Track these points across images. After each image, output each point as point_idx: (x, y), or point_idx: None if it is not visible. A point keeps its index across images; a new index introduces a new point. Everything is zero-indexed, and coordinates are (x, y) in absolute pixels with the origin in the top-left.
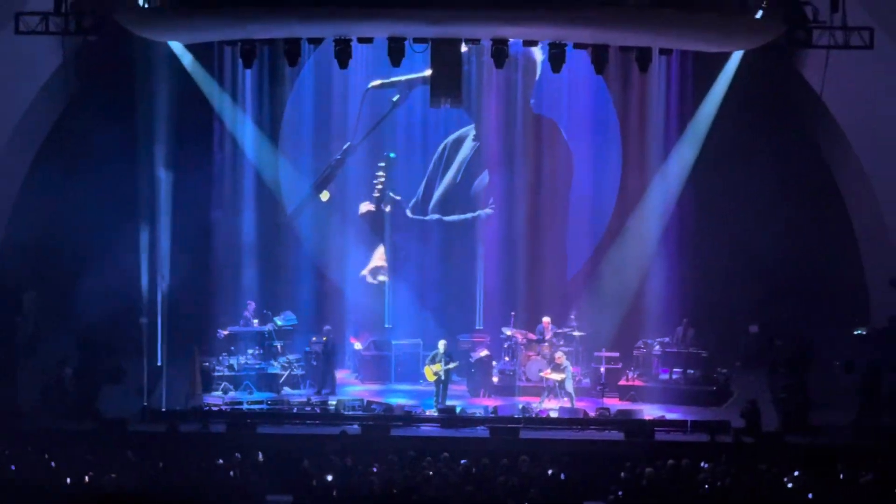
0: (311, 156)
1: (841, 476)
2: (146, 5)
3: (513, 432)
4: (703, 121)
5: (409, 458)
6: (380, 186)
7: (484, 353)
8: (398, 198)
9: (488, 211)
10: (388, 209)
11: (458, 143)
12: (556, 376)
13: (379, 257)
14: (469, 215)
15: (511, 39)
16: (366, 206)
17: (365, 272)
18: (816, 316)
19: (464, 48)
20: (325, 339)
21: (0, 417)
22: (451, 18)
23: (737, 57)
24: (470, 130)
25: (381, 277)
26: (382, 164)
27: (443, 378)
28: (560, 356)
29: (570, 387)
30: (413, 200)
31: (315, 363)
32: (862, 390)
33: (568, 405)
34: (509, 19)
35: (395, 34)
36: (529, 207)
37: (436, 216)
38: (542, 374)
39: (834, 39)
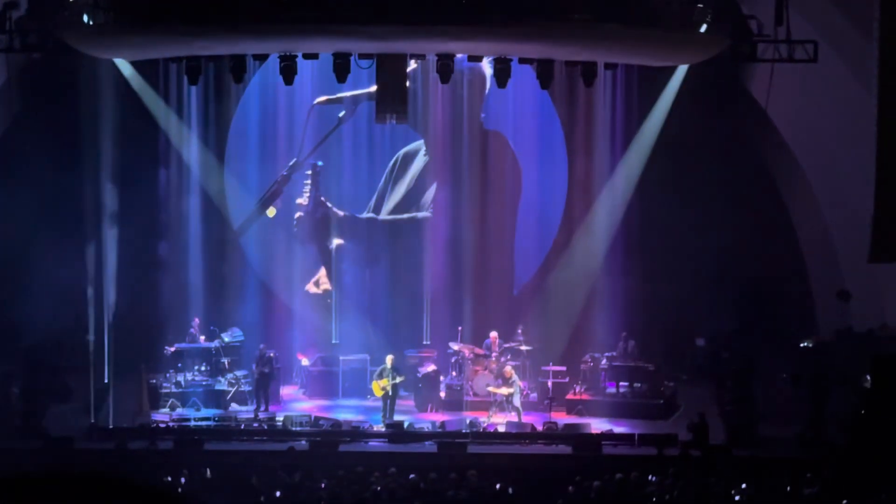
0: (257, 172)
1: (788, 489)
2: (91, 22)
3: (461, 447)
4: (648, 135)
5: (357, 473)
6: (307, 193)
7: (431, 368)
8: (323, 198)
9: (426, 214)
10: (319, 216)
11: (410, 156)
12: (505, 391)
13: (324, 275)
14: (405, 216)
15: (457, 55)
16: (297, 215)
17: (309, 285)
18: (763, 328)
19: (413, 66)
20: (259, 355)
21: None
22: (396, 34)
23: (681, 71)
24: (422, 145)
25: (325, 286)
26: (309, 173)
27: (390, 393)
28: (509, 370)
29: (517, 401)
30: (364, 214)
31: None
32: (808, 403)
33: (515, 419)
34: (453, 35)
35: (340, 50)
36: (477, 222)
37: (370, 215)
38: (489, 388)
39: (778, 53)
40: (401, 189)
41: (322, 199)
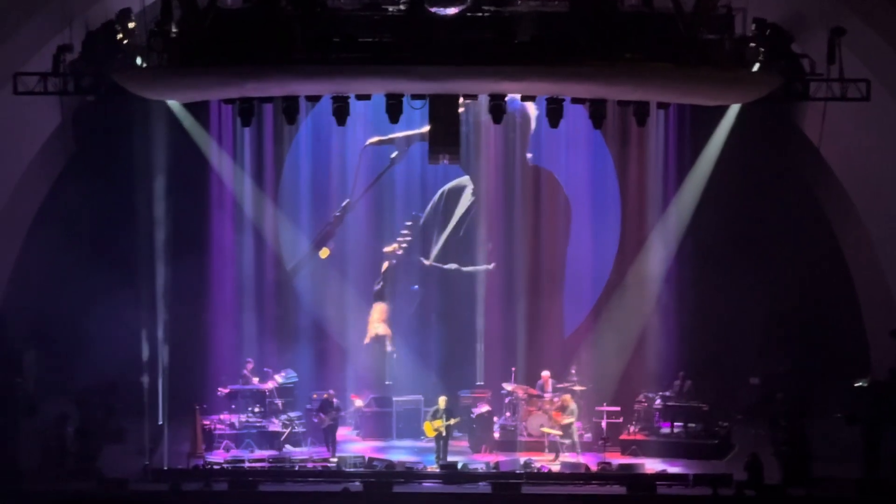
0: (309, 213)
1: None
2: (144, 65)
3: (515, 487)
4: (700, 174)
5: None
6: (403, 243)
7: (485, 408)
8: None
9: (489, 267)
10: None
11: (456, 192)
12: (566, 419)
13: (377, 319)
14: (471, 269)
15: (508, 95)
16: (387, 264)
17: (367, 341)
18: (817, 368)
19: (461, 108)
20: (326, 402)
21: (1, 479)
22: (449, 75)
23: (734, 110)
24: (467, 182)
25: (388, 348)
26: (410, 224)
27: (444, 434)
28: (568, 398)
29: (574, 433)
30: (432, 259)
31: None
32: (864, 443)
33: (573, 456)
34: (506, 75)
35: (392, 91)
36: (529, 261)
37: (453, 266)
38: (543, 429)
39: (831, 91)
40: (449, 228)
41: (421, 259)
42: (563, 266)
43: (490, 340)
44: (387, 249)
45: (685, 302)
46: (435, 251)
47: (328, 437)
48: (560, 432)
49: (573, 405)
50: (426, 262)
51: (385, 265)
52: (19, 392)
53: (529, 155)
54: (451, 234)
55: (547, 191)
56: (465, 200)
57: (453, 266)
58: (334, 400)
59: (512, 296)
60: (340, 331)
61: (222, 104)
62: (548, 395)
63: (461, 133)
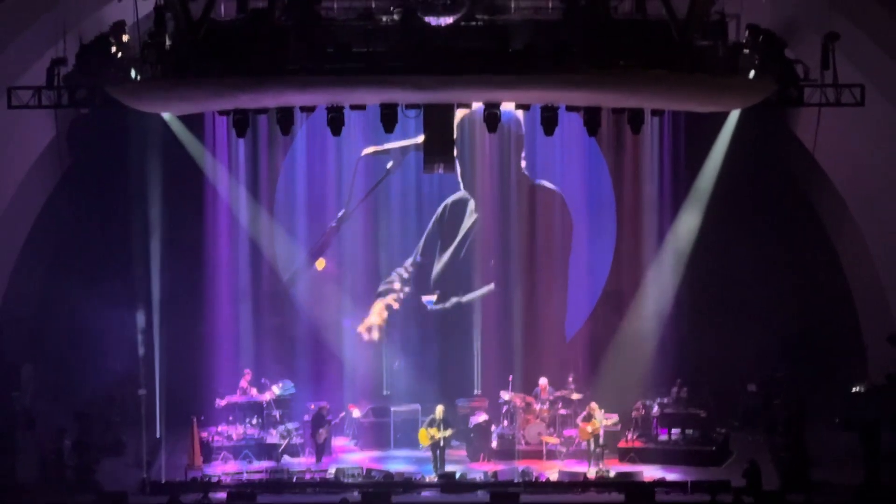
0: (305, 223)
1: None
2: (138, 77)
3: (513, 496)
4: (703, 182)
5: None
6: (399, 290)
7: (482, 417)
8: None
9: (491, 288)
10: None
11: (458, 207)
12: (592, 427)
13: (376, 313)
14: (471, 296)
15: (503, 104)
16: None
17: (361, 329)
18: (814, 374)
19: (459, 116)
20: (319, 415)
21: (0, 492)
22: (443, 84)
23: (732, 122)
24: (469, 197)
25: (375, 335)
26: (410, 268)
27: (441, 444)
28: (594, 405)
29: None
30: (410, 260)
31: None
32: (863, 449)
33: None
34: (500, 84)
35: (387, 101)
36: (527, 272)
37: (455, 300)
38: (541, 437)
39: (825, 97)
40: (452, 248)
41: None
42: (566, 275)
43: (487, 349)
44: (389, 302)
45: (683, 309)
46: (437, 269)
47: (320, 449)
48: (558, 440)
49: (599, 412)
50: (429, 307)
51: (380, 306)
52: (17, 406)
53: (524, 163)
54: (454, 254)
55: (546, 201)
56: (469, 219)
57: (453, 301)
58: (325, 412)
59: (509, 304)
60: (337, 341)
61: (217, 115)
62: (548, 403)
63: (455, 142)
